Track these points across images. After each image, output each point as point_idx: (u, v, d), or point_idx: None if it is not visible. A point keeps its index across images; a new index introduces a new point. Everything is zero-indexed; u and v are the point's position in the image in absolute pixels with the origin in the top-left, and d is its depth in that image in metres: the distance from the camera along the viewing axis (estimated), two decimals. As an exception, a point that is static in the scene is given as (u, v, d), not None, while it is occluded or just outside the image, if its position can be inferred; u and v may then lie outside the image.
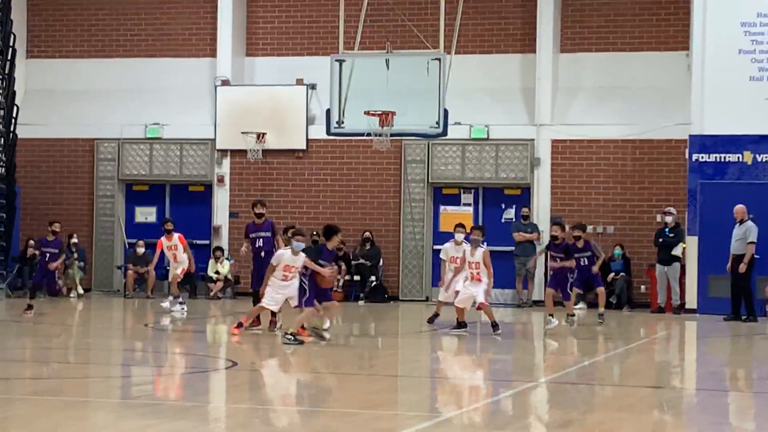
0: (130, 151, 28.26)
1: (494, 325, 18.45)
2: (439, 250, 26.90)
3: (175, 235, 22.79)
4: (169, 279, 23.21)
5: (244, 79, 27.93)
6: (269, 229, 18.99)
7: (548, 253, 20.05)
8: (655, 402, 12.52)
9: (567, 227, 20.84)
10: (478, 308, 18.56)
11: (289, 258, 17.29)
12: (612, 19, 26.26)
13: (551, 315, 19.43)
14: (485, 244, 18.99)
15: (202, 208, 28.12)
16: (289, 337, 16.68)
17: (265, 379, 14.10)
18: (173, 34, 28.38)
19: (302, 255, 17.17)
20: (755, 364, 16.58)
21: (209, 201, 28.00)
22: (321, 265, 16.77)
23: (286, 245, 19.14)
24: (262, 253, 18.75)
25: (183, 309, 22.54)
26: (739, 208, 22.46)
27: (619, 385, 14.21)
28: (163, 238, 22.82)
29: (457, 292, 18.97)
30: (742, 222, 22.42)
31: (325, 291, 17.09)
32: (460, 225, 20.35)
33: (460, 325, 18.72)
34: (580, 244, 20.61)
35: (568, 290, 19.59)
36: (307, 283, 16.78)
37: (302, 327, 17.52)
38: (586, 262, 20.62)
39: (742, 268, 22.06)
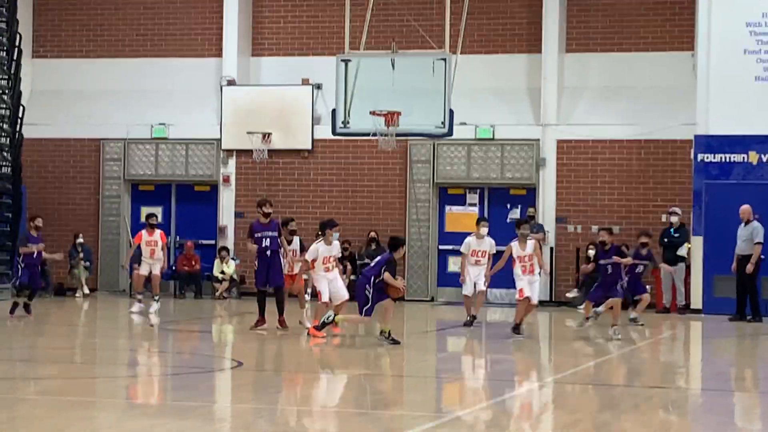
0: (136, 151, 28.30)
1: (516, 327, 18.36)
2: (445, 250, 27.00)
3: (157, 231, 22.42)
4: (145, 274, 22.23)
5: (250, 79, 27.96)
6: (276, 228, 18.97)
7: (592, 259, 19.98)
8: (660, 402, 12.53)
9: (614, 229, 20.85)
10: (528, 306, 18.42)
11: (325, 250, 17.62)
12: (617, 19, 26.26)
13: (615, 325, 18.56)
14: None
15: (207, 208, 28.16)
16: (384, 336, 16.80)
17: (271, 379, 14.11)
18: (179, 34, 28.42)
19: (336, 244, 17.69)
20: (760, 364, 16.59)
21: (215, 201, 28.03)
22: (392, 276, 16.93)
23: (288, 241, 19.23)
24: (269, 252, 18.73)
25: (141, 308, 22.02)
26: (745, 209, 22.46)
27: (625, 386, 14.22)
28: (144, 232, 22.37)
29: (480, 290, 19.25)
30: (747, 222, 22.42)
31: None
32: (483, 219, 20.50)
33: (516, 328, 18.35)
34: (644, 251, 20.43)
35: (618, 289, 18.72)
36: (372, 291, 16.71)
37: (316, 327, 17.58)
38: (641, 270, 20.42)
39: (750, 268, 22.06)
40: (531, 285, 18.36)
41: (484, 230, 19.91)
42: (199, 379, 13.61)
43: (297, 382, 13.90)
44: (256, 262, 18.91)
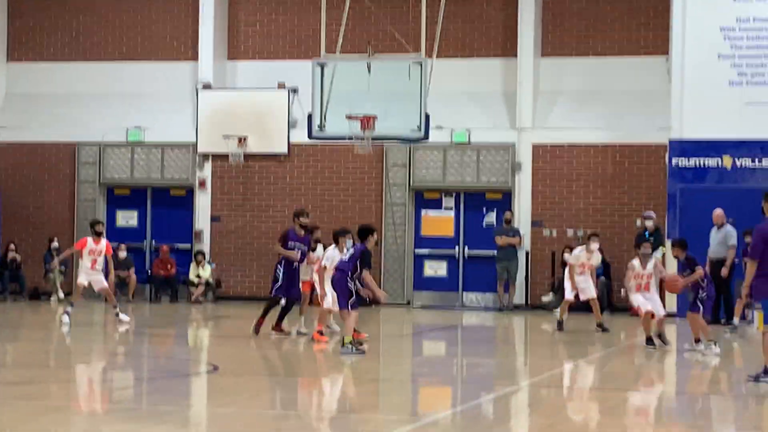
0: (112, 155, 28.22)
1: (655, 337, 18.02)
2: (421, 254, 27.02)
3: (104, 240, 20.85)
4: (85, 284, 20.71)
5: (226, 82, 27.93)
6: (308, 243, 18.83)
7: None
8: (634, 406, 12.58)
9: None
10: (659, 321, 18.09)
11: (338, 257, 17.26)
12: (592, 23, 26.36)
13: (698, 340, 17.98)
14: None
15: (183, 212, 28.10)
16: (348, 346, 16.11)
17: (247, 383, 14.10)
18: (155, 37, 28.36)
19: (345, 251, 17.23)
20: (735, 367, 16.67)
21: (191, 205, 27.98)
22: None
23: (312, 249, 19.05)
24: (295, 265, 18.57)
25: (67, 321, 20.29)
26: (718, 213, 22.57)
27: (600, 389, 14.27)
28: (89, 239, 20.82)
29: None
30: (721, 226, 22.52)
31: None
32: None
33: (648, 341, 17.95)
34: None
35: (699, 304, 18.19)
36: (354, 285, 16.32)
37: (320, 332, 17.62)
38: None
39: (725, 272, 22.15)
40: (650, 300, 18.03)
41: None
42: (175, 384, 13.58)
43: (273, 386, 13.90)
44: (280, 272, 18.48)
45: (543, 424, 11.10)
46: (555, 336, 19.67)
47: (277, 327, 18.53)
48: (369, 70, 20.83)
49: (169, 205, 28.28)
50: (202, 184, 27.79)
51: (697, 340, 17.47)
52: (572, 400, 13.17)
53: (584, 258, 20.19)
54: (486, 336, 18.86)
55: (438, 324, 20.68)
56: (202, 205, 27.78)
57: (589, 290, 20.29)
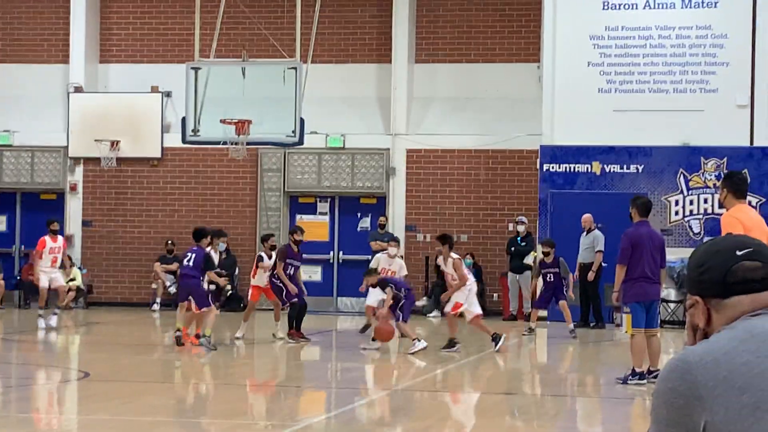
0: (-20, 158, 27.65)
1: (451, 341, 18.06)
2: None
3: (60, 237, 21.46)
4: (47, 287, 21.05)
5: (98, 86, 27.57)
6: (301, 259, 19.29)
7: (540, 271, 20.59)
8: (507, 408, 12.75)
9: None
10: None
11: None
12: (465, 30, 26.64)
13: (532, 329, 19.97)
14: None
15: (54, 217, 27.58)
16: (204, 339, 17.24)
17: (119, 389, 13.94)
18: (24, 39, 27.88)
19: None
20: (603, 369, 16.99)
21: (61, 209, 27.56)
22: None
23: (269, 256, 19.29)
24: (290, 270, 18.97)
25: (48, 324, 20.88)
26: (587, 218, 22.97)
27: (473, 392, 14.43)
28: (47, 238, 21.23)
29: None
30: (589, 231, 22.93)
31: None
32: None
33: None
34: (549, 259, 20.70)
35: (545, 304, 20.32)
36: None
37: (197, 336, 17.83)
38: (552, 278, 20.58)
39: (591, 276, 22.58)
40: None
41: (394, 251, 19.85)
42: (45, 391, 13.38)
43: (146, 392, 13.77)
44: (284, 282, 18.79)
45: (418, 428, 11.20)
46: (429, 340, 19.81)
47: (297, 333, 18.91)
48: (244, 75, 20.77)
49: (40, 210, 27.80)
50: (74, 188, 27.40)
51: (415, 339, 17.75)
52: (446, 403, 13.30)
53: (385, 263, 19.70)
54: (359, 341, 18.93)
55: (312, 328, 20.67)
56: (74, 209, 27.38)
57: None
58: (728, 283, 2.96)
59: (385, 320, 17.66)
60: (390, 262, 19.59)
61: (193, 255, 17.60)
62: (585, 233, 22.94)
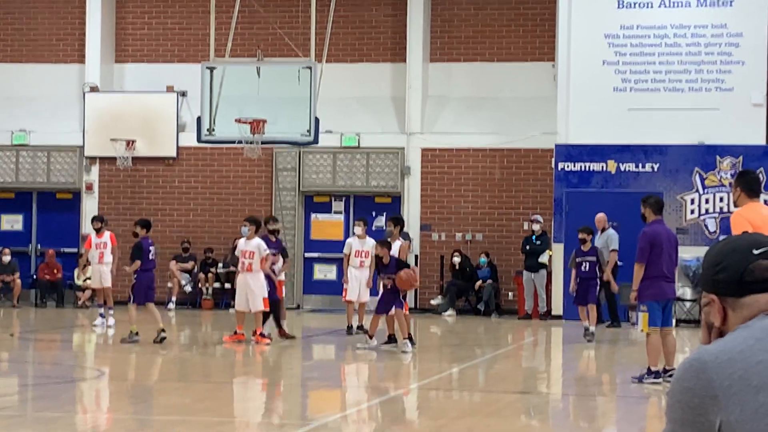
0: (-4, 158, 27.74)
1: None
2: (311, 258, 27.03)
3: (107, 233, 21.24)
4: (99, 286, 21.09)
5: (114, 85, 27.64)
6: (280, 248, 19.20)
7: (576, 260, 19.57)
8: (522, 407, 12.75)
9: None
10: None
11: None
12: (480, 29, 26.63)
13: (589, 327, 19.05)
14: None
15: (70, 216, 27.74)
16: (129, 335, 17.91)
17: (133, 388, 13.99)
18: (41, 39, 27.96)
19: None
20: (619, 368, 16.97)
21: (77, 209, 27.64)
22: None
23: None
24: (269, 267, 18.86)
25: (103, 322, 20.93)
26: (600, 217, 22.88)
27: (488, 391, 14.43)
28: (93, 235, 21.18)
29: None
30: (603, 230, 22.81)
31: None
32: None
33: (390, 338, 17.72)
34: (586, 247, 19.77)
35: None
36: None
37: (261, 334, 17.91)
38: (588, 268, 19.76)
39: (607, 276, 22.47)
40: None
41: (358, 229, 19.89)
42: (61, 389, 13.43)
43: (161, 391, 13.81)
44: (266, 278, 18.59)
45: (431, 427, 11.20)
46: (444, 339, 19.81)
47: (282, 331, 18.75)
48: (259, 74, 20.79)
49: (55, 209, 27.90)
50: (89, 187, 27.47)
51: (391, 336, 17.36)
52: (461, 402, 13.30)
53: (357, 245, 19.52)
54: (376, 339, 18.93)
55: (328, 327, 20.71)
56: (89, 208, 27.44)
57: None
58: (745, 282, 2.96)
59: (405, 275, 17.09)
60: (362, 244, 19.50)
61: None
62: (599, 233, 22.86)
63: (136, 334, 17.85)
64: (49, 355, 18.24)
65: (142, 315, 18.16)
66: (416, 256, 26.21)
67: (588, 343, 19.21)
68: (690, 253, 22.75)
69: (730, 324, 2.97)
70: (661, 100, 24.00)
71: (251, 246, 17.97)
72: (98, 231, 21.15)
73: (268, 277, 18.39)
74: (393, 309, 17.09)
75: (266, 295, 17.97)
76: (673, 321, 14.52)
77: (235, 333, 18.24)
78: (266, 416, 12.05)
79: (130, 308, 18.14)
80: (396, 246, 17.73)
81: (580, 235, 19.95)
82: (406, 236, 23.81)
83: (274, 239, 19.01)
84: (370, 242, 19.21)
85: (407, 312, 17.43)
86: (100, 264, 20.98)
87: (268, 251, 18.18)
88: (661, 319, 13.71)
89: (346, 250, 19.74)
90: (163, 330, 17.80)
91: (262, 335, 17.83)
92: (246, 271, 18.04)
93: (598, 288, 19.82)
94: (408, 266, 17.52)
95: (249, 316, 18.09)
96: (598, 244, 22.77)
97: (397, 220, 18.38)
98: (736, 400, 2.80)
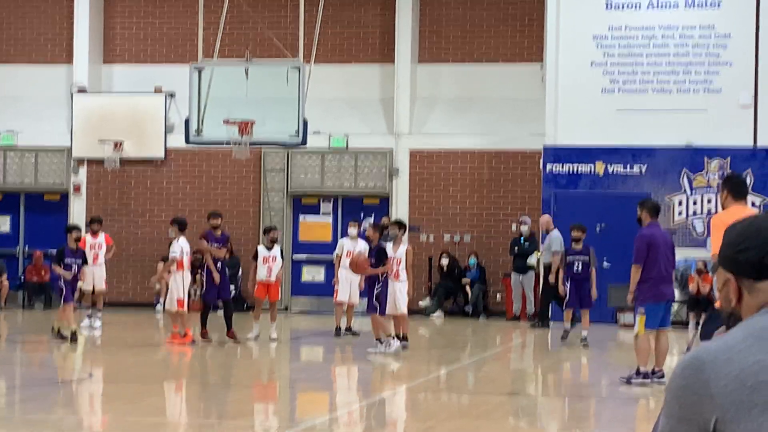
0: (-17, 159, 27.66)
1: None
2: (299, 260, 26.99)
3: (102, 233, 21.37)
4: (90, 289, 21.21)
5: (102, 86, 27.58)
6: (225, 243, 19.16)
7: (566, 259, 19.18)
8: (511, 409, 12.74)
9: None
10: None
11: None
12: (468, 30, 26.64)
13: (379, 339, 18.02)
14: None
15: (57, 218, 27.65)
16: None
17: (122, 390, 13.94)
18: (28, 40, 27.89)
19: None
20: (606, 370, 16.98)
21: (65, 210, 27.57)
22: None
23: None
24: (219, 265, 18.76)
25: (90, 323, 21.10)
26: (545, 219, 22.29)
27: (476, 393, 14.42)
28: (88, 236, 21.23)
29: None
30: (548, 232, 22.29)
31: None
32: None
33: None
34: (578, 246, 19.34)
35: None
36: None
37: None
38: (581, 269, 19.33)
39: (552, 278, 21.66)
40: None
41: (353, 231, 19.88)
42: (49, 392, 13.38)
43: (149, 393, 13.77)
44: (205, 275, 18.56)
45: (420, 428, 11.19)
46: (433, 341, 19.80)
47: (231, 333, 18.55)
48: (247, 75, 20.77)
49: (43, 211, 27.82)
50: (77, 189, 27.40)
51: (378, 339, 17.24)
52: (449, 403, 13.29)
53: (349, 245, 19.47)
54: (363, 341, 18.91)
55: (316, 329, 20.68)
56: (77, 210, 27.38)
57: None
58: (764, 266, 2.95)
59: (356, 257, 17.22)
60: (354, 245, 19.47)
61: None
62: (546, 234, 22.23)
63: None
64: (36, 357, 18.17)
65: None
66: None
67: (584, 348, 18.82)
68: (677, 255, 22.71)
69: (745, 306, 2.97)
70: (649, 101, 24.04)
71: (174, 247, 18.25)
72: (95, 232, 21.14)
73: (210, 278, 18.42)
74: (394, 308, 17.22)
75: (181, 296, 17.90)
76: (670, 321, 14.50)
77: (173, 334, 18.19)
78: (254, 419, 12.02)
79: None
80: (402, 249, 17.71)
81: (573, 233, 19.54)
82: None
83: (219, 233, 18.97)
84: (363, 244, 19.15)
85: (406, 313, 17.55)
86: (95, 265, 20.84)
87: (175, 254, 18.28)
88: (659, 320, 13.74)
89: (338, 251, 19.72)
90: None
91: (183, 335, 17.79)
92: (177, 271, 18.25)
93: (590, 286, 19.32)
94: (387, 259, 17.30)
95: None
96: (543, 247, 22.42)
97: (401, 224, 18.30)
98: (731, 399, 2.80)
